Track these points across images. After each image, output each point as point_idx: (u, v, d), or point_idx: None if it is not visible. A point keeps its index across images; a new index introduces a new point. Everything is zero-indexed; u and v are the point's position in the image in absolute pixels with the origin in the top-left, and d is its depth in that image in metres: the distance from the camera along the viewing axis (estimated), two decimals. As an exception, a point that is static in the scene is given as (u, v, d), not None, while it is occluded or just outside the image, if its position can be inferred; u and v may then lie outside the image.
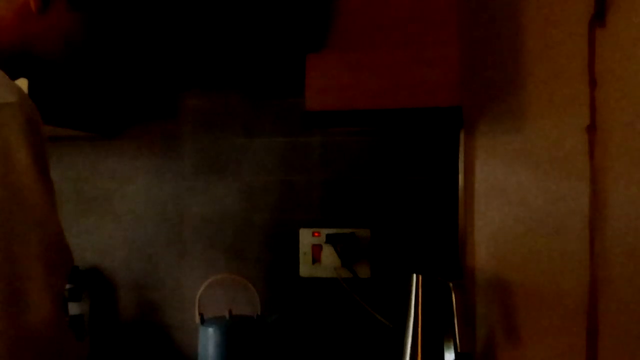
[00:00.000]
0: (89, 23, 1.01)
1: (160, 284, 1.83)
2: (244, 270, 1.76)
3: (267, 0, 1.41)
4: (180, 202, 1.82)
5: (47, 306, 0.76)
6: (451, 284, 1.46)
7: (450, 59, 1.38)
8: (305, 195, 1.75)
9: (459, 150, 1.65)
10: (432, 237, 1.67)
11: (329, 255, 1.71)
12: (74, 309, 1.76)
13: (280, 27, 1.43)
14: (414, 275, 1.53)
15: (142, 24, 1.44)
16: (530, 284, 1.59)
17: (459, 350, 1.44)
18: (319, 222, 1.74)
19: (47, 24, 0.96)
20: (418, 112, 1.40)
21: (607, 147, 1.56)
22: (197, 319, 1.63)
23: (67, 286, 1.74)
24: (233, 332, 1.59)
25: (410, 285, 1.54)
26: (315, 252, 1.73)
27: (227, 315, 1.64)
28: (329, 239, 1.69)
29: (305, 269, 1.74)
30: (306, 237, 1.74)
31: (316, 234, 1.73)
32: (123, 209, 1.85)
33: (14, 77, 0.95)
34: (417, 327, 1.51)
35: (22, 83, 1.38)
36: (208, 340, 1.59)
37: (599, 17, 1.56)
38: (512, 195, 1.61)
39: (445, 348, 1.52)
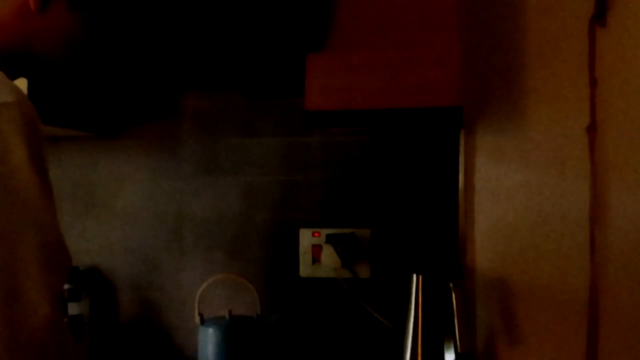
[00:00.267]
0: (89, 23, 1.00)
1: (160, 284, 1.83)
2: (244, 270, 1.75)
3: (268, 0, 1.41)
4: (180, 202, 1.82)
5: (45, 307, 0.76)
6: (451, 284, 1.46)
7: (450, 59, 1.38)
8: (305, 195, 1.75)
9: (459, 150, 1.65)
10: (432, 237, 1.67)
11: (329, 255, 1.71)
12: (73, 309, 1.76)
13: (280, 27, 1.43)
14: (414, 276, 1.53)
15: (142, 24, 1.44)
16: (531, 284, 1.59)
17: (459, 350, 1.44)
18: (319, 222, 1.74)
19: (47, 24, 0.96)
20: (418, 112, 1.40)
21: (607, 147, 1.56)
22: (197, 319, 1.63)
23: (67, 286, 1.74)
24: (233, 332, 1.59)
25: (411, 286, 1.54)
26: (315, 252, 1.73)
27: (227, 315, 1.64)
28: (329, 239, 1.69)
29: (305, 269, 1.74)
30: (306, 237, 1.74)
31: (316, 234, 1.73)
32: (123, 209, 1.85)
33: (13, 77, 0.95)
34: (417, 327, 1.51)
35: (22, 83, 1.38)
36: (208, 340, 1.59)
37: (599, 16, 1.56)
38: (512, 195, 1.61)
39: (445, 348, 1.52)
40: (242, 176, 1.79)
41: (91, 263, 1.86)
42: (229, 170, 1.80)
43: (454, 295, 1.45)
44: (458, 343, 1.43)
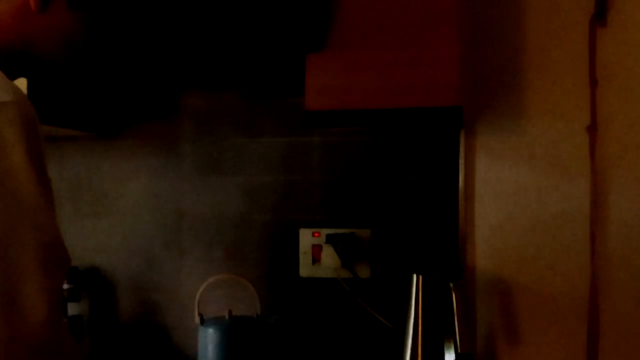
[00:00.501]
0: (89, 23, 1.00)
1: (160, 284, 1.83)
2: (244, 271, 1.75)
3: (267, 0, 1.41)
4: (179, 202, 1.82)
5: (43, 307, 0.76)
6: (451, 284, 1.46)
7: (450, 59, 1.37)
8: (305, 195, 1.75)
9: (459, 150, 1.65)
10: (432, 237, 1.67)
11: (329, 255, 1.71)
12: (73, 309, 1.75)
13: (280, 27, 1.43)
14: (414, 276, 1.53)
15: (142, 24, 1.44)
16: (531, 284, 1.59)
17: (459, 350, 1.43)
18: (319, 222, 1.74)
19: (47, 24, 0.96)
20: (418, 112, 1.40)
21: (607, 146, 1.55)
22: (197, 319, 1.63)
23: (66, 286, 1.74)
24: (233, 332, 1.59)
25: (411, 286, 1.54)
26: (315, 252, 1.73)
27: (226, 315, 1.64)
28: (329, 239, 1.69)
29: (305, 269, 1.74)
30: (306, 237, 1.73)
31: (316, 234, 1.72)
32: (122, 209, 1.85)
33: (13, 76, 0.95)
34: (418, 327, 1.51)
35: (21, 83, 1.38)
36: (208, 340, 1.59)
37: (599, 16, 1.55)
38: (512, 195, 1.60)
39: (445, 348, 1.51)
40: (242, 176, 1.79)
41: (91, 263, 1.86)
42: (229, 170, 1.80)
43: (454, 295, 1.45)
44: (458, 343, 1.43)
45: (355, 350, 1.71)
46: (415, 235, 1.68)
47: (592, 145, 1.56)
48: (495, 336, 1.61)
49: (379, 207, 1.70)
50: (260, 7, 1.41)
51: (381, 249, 1.70)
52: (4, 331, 0.73)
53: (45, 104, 1.55)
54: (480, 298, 1.62)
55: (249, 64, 1.73)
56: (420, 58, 1.39)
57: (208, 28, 1.44)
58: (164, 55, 1.54)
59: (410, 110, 1.40)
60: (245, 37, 1.44)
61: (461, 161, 1.64)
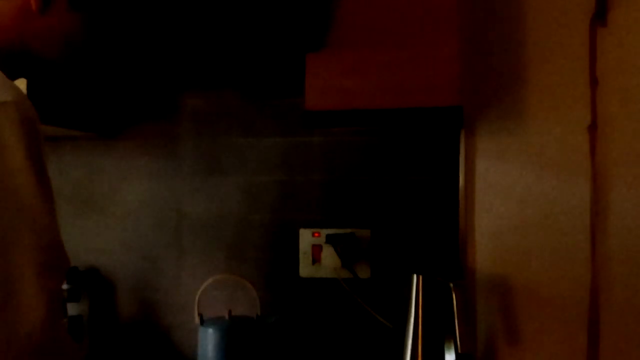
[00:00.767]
0: (89, 23, 1.00)
1: (160, 284, 1.82)
2: (244, 271, 1.75)
3: (267, 0, 1.41)
4: (179, 202, 1.82)
5: (42, 308, 0.76)
6: (451, 284, 1.46)
7: (450, 59, 1.37)
8: (305, 195, 1.75)
9: (460, 150, 1.65)
10: (433, 237, 1.67)
11: (329, 255, 1.71)
12: (73, 309, 1.75)
13: (280, 26, 1.43)
14: (414, 276, 1.53)
15: (142, 24, 1.44)
16: (531, 284, 1.59)
17: (459, 350, 1.43)
18: (319, 222, 1.73)
19: (47, 24, 0.96)
20: (418, 112, 1.40)
21: (608, 146, 1.55)
22: (197, 320, 1.63)
23: (66, 287, 1.74)
24: (233, 332, 1.58)
25: (411, 286, 1.53)
26: (315, 253, 1.72)
27: (226, 315, 1.64)
28: (329, 239, 1.69)
29: (305, 269, 1.73)
30: (306, 238, 1.73)
31: (316, 234, 1.72)
32: (122, 209, 1.85)
33: (13, 76, 0.95)
34: (418, 327, 1.51)
35: (21, 83, 1.38)
36: (207, 340, 1.58)
37: (600, 16, 1.55)
38: (512, 195, 1.60)
39: (445, 348, 1.51)
40: (242, 176, 1.79)
41: (91, 263, 1.86)
42: (229, 170, 1.79)
43: (454, 296, 1.44)
44: (458, 343, 1.43)
45: (356, 350, 1.71)
46: (415, 235, 1.68)
47: (593, 144, 1.56)
48: (496, 336, 1.61)
49: (379, 207, 1.70)
50: (260, 6, 1.41)
51: (381, 249, 1.70)
52: (1, 332, 0.73)
53: (45, 104, 1.54)
54: (480, 298, 1.62)
55: (248, 64, 1.72)
56: (421, 58, 1.38)
57: (208, 28, 1.44)
58: (163, 55, 1.54)
59: (411, 110, 1.40)
60: (245, 37, 1.44)
61: (461, 161, 1.64)
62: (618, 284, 1.55)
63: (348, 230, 1.70)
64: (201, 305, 1.65)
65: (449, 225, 1.66)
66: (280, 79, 1.76)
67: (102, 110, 1.84)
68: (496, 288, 1.61)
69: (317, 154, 1.74)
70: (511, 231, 1.60)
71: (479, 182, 1.62)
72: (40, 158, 0.81)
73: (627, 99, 1.55)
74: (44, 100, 1.54)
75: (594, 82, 1.56)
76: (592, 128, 1.56)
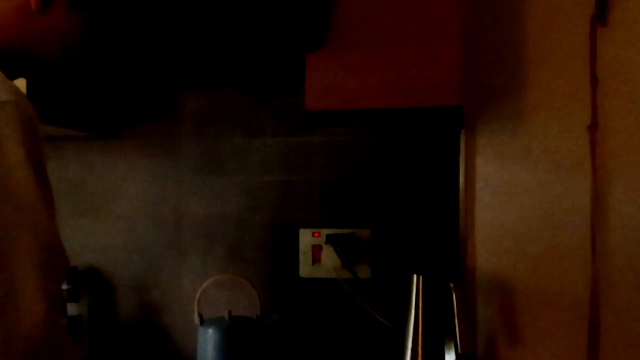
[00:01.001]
0: (89, 23, 1.00)
1: (160, 285, 1.82)
2: (244, 271, 1.75)
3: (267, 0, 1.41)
4: (179, 202, 1.82)
5: (40, 308, 0.75)
6: (452, 285, 1.46)
7: (450, 59, 1.37)
8: (305, 195, 1.75)
9: (460, 150, 1.65)
10: (433, 237, 1.66)
11: (329, 255, 1.71)
12: (72, 309, 1.75)
13: (280, 26, 1.43)
14: (415, 276, 1.53)
15: (142, 24, 1.44)
16: (532, 284, 1.59)
17: (459, 351, 1.43)
18: (319, 223, 1.73)
19: (47, 24, 0.96)
20: (418, 111, 1.40)
21: (608, 146, 1.55)
22: (197, 320, 1.63)
23: (66, 287, 1.74)
24: (232, 332, 1.58)
25: (411, 286, 1.53)
26: (315, 253, 1.72)
27: (226, 315, 1.64)
28: (329, 239, 1.69)
29: (305, 269, 1.73)
30: (306, 238, 1.73)
31: (316, 234, 1.72)
32: (122, 209, 1.85)
33: (12, 76, 0.95)
34: (418, 328, 1.51)
35: (21, 83, 1.38)
36: (207, 341, 1.58)
37: (600, 15, 1.55)
38: (513, 194, 1.60)
39: (446, 349, 1.51)
40: (242, 176, 1.78)
41: (90, 263, 1.86)
42: (229, 170, 1.79)
43: (454, 296, 1.44)
44: (458, 343, 1.43)
45: (356, 350, 1.70)
46: (415, 235, 1.68)
47: (593, 144, 1.56)
48: (496, 336, 1.61)
49: (379, 207, 1.70)
50: (260, 6, 1.41)
51: (381, 249, 1.70)
52: (1, 332, 0.73)
53: (45, 104, 1.54)
54: (480, 298, 1.62)
55: (248, 64, 1.72)
56: (421, 58, 1.38)
57: (208, 28, 1.44)
58: (163, 55, 1.54)
59: (411, 110, 1.40)
60: (245, 37, 1.44)
61: (461, 161, 1.64)
62: (618, 284, 1.54)
63: (348, 230, 1.70)
64: (201, 305, 1.65)
65: (449, 225, 1.66)
66: (281, 79, 1.76)
67: (102, 110, 1.84)
68: (496, 288, 1.61)
69: (317, 154, 1.74)
70: (511, 231, 1.60)
71: (479, 182, 1.62)
72: (39, 158, 0.81)
73: (628, 98, 1.55)
74: (44, 100, 1.54)
75: (594, 81, 1.56)
76: (593, 128, 1.56)
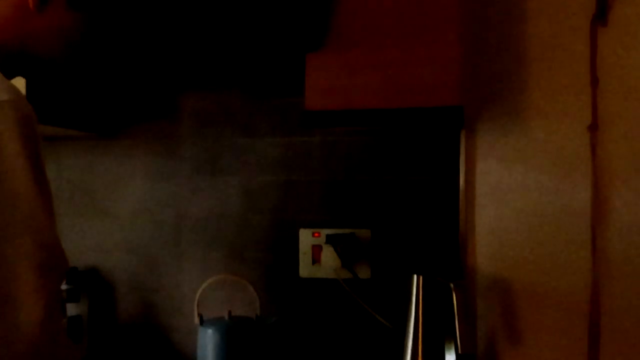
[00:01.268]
0: (88, 22, 1.00)
1: (159, 285, 1.82)
2: (244, 271, 1.75)
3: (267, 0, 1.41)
4: (179, 202, 1.81)
5: (38, 309, 0.75)
6: (452, 285, 1.45)
7: (451, 59, 1.37)
8: (305, 195, 1.74)
9: (460, 150, 1.65)
10: (433, 237, 1.66)
11: (329, 255, 1.70)
12: (72, 309, 1.75)
13: (280, 26, 1.42)
14: (415, 276, 1.53)
15: (141, 23, 1.44)
16: (532, 285, 1.59)
17: (460, 351, 1.43)
18: (319, 223, 1.73)
19: (45, 23, 0.95)
20: (418, 111, 1.40)
21: (609, 146, 1.55)
22: (196, 320, 1.62)
23: (66, 287, 1.74)
24: (232, 333, 1.58)
25: (411, 286, 1.53)
26: (315, 253, 1.72)
27: (226, 316, 1.63)
28: (329, 240, 1.69)
29: (305, 269, 1.73)
30: (306, 238, 1.73)
31: (316, 235, 1.72)
32: (122, 210, 1.85)
33: (11, 75, 0.94)
34: (418, 328, 1.50)
35: (20, 83, 1.37)
36: (207, 341, 1.58)
37: (600, 15, 1.55)
38: (513, 195, 1.60)
39: (446, 349, 1.51)
40: (242, 176, 1.78)
41: (90, 263, 1.85)
42: (228, 170, 1.79)
43: (454, 296, 1.44)
44: (459, 344, 1.43)
45: (356, 351, 1.70)
46: (415, 235, 1.67)
47: (593, 144, 1.56)
48: (496, 336, 1.61)
49: (379, 207, 1.70)
50: (260, 6, 1.41)
51: (381, 249, 1.69)
52: None
53: (44, 104, 1.54)
54: (481, 298, 1.61)
55: (248, 64, 1.72)
56: (421, 58, 1.38)
57: (207, 27, 1.43)
58: (163, 54, 1.54)
59: (411, 110, 1.40)
60: (245, 37, 1.43)
61: (462, 161, 1.63)
62: (619, 284, 1.54)
63: (348, 231, 1.70)
64: (201, 305, 1.65)
65: (449, 225, 1.66)
66: (280, 79, 1.76)
67: (102, 110, 1.83)
68: (497, 288, 1.61)
69: (317, 154, 1.74)
70: (512, 231, 1.60)
71: (479, 182, 1.62)
72: (38, 158, 0.81)
73: (628, 98, 1.54)
74: (44, 100, 1.54)
75: (594, 81, 1.55)
76: (593, 127, 1.56)
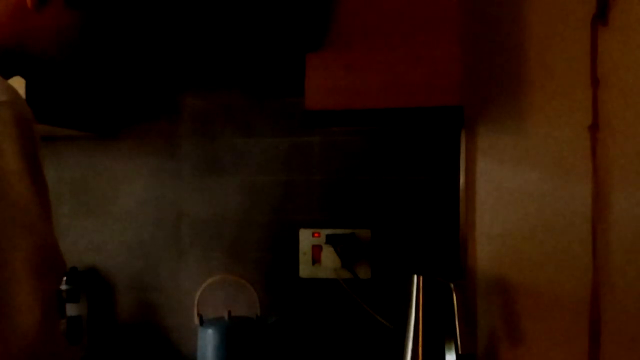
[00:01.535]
0: (87, 21, 0.99)
1: (159, 285, 1.82)
2: (244, 271, 1.74)
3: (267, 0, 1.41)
4: (179, 202, 1.81)
5: (35, 311, 0.75)
6: (452, 285, 1.45)
7: (451, 58, 1.37)
8: (305, 195, 1.74)
9: (460, 150, 1.64)
10: (433, 237, 1.66)
11: (329, 255, 1.70)
12: (72, 310, 1.75)
13: (280, 26, 1.42)
14: (415, 276, 1.53)
15: (141, 23, 1.43)
16: (532, 285, 1.58)
17: (460, 351, 1.43)
18: (319, 223, 1.73)
19: (44, 22, 0.95)
20: (419, 111, 1.39)
21: (609, 146, 1.55)
22: (196, 320, 1.62)
23: (65, 287, 1.74)
24: (232, 333, 1.58)
25: (411, 286, 1.53)
26: (315, 253, 1.72)
27: (226, 316, 1.63)
28: (329, 240, 1.68)
29: (305, 269, 1.73)
30: (306, 238, 1.73)
31: (316, 235, 1.72)
32: (121, 210, 1.84)
33: (9, 75, 0.94)
34: (418, 328, 1.50)
35: (20, 82, 1.37)
36: (207, 341, 1.58)
37: (601, 15, 1.55)
38: (513, 195, 1.60)
39: (446, 349, 1.51)
40: (242, 176, 1.78)
41: (90, 263, 1.85)
42: (228, 170, 1.79)
43: (454, 296, 1.44)
44: (459, 344, 1.43)
45: (356, 351, 1.70)
46: (415, 235, 1.67)
47: (594, 144, 1.56)
48: (497, 337, 1.60)
49: (379, 207, 1.70)
50: (260, 6, 1.41)
51: (381, 249, 1.69)
52: None
53: (44, 104, 1.54)
54: (481, 299, 1.61)
55: (248, 64, 1.72)
56: (421, 57, 1.38)
57: (207, 27, 1.43)
58: (162, 54, 1.54)
59: (411, 109, 1.40)
60: (245, 37, 1.43)
61: (462, 161, 1.63)
62: (619, 284, 1.54)
63: (348, 231, 1.70)
64: (201, 305, 1.65)
65: (449, 225, 1.65)
66: (280, 79, 1.75)
67: (102, 110, 1.83)
68: (497, 288, 1.61)
69: (317, 154, 1.74)
70: (512, 231, 1.60)
71: (480, 182, 1.61)
72: (35, 159, 0.80)
73: (629, 98, 1.54)
74: (44, 100, 1.53)
75: (595, 81, 1.55)
76: (593, 128, 1.56)
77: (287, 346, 1.74)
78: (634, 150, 1.54)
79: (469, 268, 1.62)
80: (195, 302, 1.63)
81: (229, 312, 1.64)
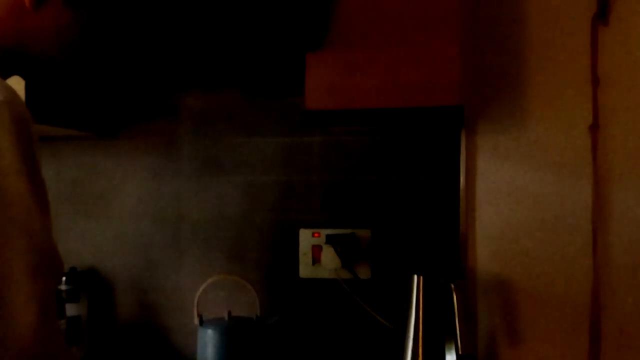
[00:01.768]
0: (86, 20, 0.99)
1: (159, 285, 1.82)
2: (243, 271, 1.74)
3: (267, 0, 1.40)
4: (179, 202, 1.81)
5: (32, 313, 0.74)
6: (452, 285, 1.45)
7: (451, 58, 1.37)
8: (305, 195, 1.74)
9: (460, 150, 1.64)
10: (433, 237, 1.66)
11: (329, 255, 1.70)
12: (71, 310, 1.75)
13: (280, 26, 1.42)
14: (415, 276, 1.52)
15: (140, 22, 1.43)
16: (533, 285, 1.58)
17: (460, 352, 1.43)
18: (319, 223, 1.73)
19: (42, 21, 0.94)
20: (419, 111, 1.39)
21: (610, 146, 1.55)
22: (196, 320, 1.62)
23: (65, 287, 1.74)
24: (232, 333, 1.58)
25: (411, 286, 1.53)
26: (315, 253, 1.72)
27: (226, 316, 1.63)
28: (329, 240, 1.68)
29: (305, 269, 1.73)
30: (306, 238, 1.72)
31: (316, 235, 1.71)
32: (121, 210, 1.84)
33: (7, 75, 0.94)
34: (418, 328, 1.50)
35: (19, 82, 1.37)
36: (207, 341, 1.58)
37: (601, 15, 1.54)
38: (513, 195, 1.60)
39: (446, 350, 1.51)
40: (242, 176, 1.78)
41: (89, 264, 1.85)
42: (228, 170, 1.79)
43: (455, 296, 1.44)
44: (459, 344, 1.43)
45: (356, 351, 1.70)
46: (415, 235, 1.67)
47: (594, 144, 1.55)
48: (497, 337, 1.60)
49: (379, 207, 1.69)
50: (260, 6, 1.40)
51: (381, 249, 1.69)
52: None
53: (44, 104, 1.54)
54: (481, 299, 1.61)
55: (248, 63, 1.71)
56: (421, 57, 1.38)
57: (207, 26, 1.43)
58: (162, 53, 1.53)
59: (411, 109, 1.40)
60: (245, 37, 1.43)
61: (462, 161, 1.63)
62: (619, 284, 1.54)
63: (348, 231, 1.70)
64: (201, 305, 1.64)
65: (449, 225, 1.65)
66: (280, 79, 1.75)
67: (102, 110, 1.83)
68: (497, 288, 1.61)
69: (317, 154, 1.73)
70: (512, 231, 1.59)
71: (480, 182, 1.61)
72: (33, 159, 0.80)
73: (629, 98, 1.54)
74: (43, 100, 1.53)
75: (595, 81, 1.55)
76: (594, 127, 1.56)
77: (287, 346, 1.73)
78: (635, 150, 1.53)
79: (469, 268, 1.62)
80: (195, 302, 1.63)
81: (229, 312, 1.64)
